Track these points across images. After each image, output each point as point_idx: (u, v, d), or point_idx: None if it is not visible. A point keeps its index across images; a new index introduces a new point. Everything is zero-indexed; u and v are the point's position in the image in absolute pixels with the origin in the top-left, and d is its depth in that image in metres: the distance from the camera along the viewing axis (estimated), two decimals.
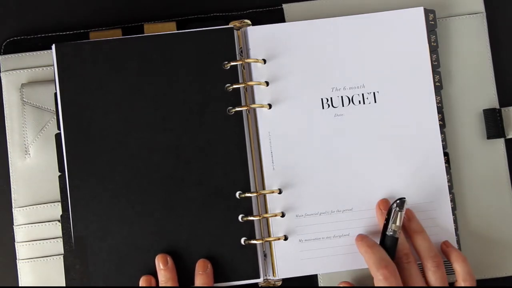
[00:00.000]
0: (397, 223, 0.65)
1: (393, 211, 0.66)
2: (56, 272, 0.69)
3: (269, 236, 0.69)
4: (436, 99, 0.70)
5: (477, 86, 0.72)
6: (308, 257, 0.68)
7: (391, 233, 0.65)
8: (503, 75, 0.73)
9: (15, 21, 0.74)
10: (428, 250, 0.66)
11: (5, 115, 0.71)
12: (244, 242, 0.68)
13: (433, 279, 0.65)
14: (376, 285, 0.63)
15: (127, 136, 0.68)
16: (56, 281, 0.69)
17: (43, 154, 0.71)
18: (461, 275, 0.66)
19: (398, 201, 0.66)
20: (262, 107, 0.69)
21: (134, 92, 0.69)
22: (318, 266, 0.69)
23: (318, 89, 0.70)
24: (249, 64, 0.70)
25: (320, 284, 0.70)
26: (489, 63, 0.72)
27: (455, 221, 0.69)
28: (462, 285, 0.65)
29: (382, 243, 0.66)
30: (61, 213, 0.69)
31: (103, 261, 0.67)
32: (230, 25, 0.71)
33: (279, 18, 0.73)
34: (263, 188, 0.69)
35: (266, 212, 0.69)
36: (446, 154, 0.70)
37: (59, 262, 0.69)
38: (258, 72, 0.70)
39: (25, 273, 0.70)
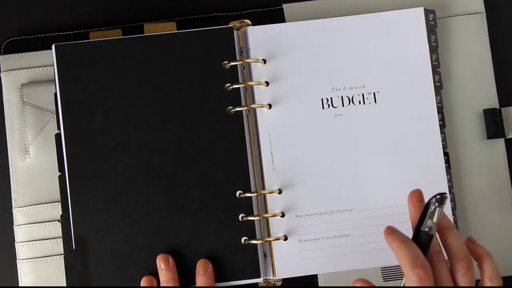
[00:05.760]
0: (434, 219, 0.60)
1: (431, 205, 0.60)
2: (56, 272, 0.69)
3: (269, 236, 0.69)
4: (436, 99, 0.70)
5: (477, 86, 0.72)
6: (308, 257, 0.68)
7: (426, 229, 0.60)
8: (503, 75, 0.73)
9: (15, 21, 0.74)
10: (460, 251, 0.61)
11: (5, 115, 0.71)
12: (244, 242, 0.68)
13: (462, 281, 0.60)
14: (407, 284, 0.58)
15: (127, 136, 0.68)
16: (56, 281, 0.69)
17: (43, 154, 0.70)
18: (487, 274, 0.61)
19: (438, 196, 0.60)
20: (262, 107, 0.69)
21: (134, 92, 0.68)
22: (318, 266, 0.69)
23: (318, 89, 0.70)
24: (249, 64, 0.70)
25: (320, 284, 0.70)
26: (489, 63, 0.73)
27: (455, 221, 0.69)
28: (489, 284, 0.60)
29: (415, 239, 0.60)
30: (61, 213, 0.69)
31: (103, 261, 0.67)
32: (230, 25, 0.71)
33: (279, 18, 0.73)
34: (263, 188, 0.69)
35: (266, 212, 0.69)
36: (446, 154, 0.70)
37: (59, 262, 0.69)
38: (258, 72, 0.70)
39: (25, 273, 0.70)
